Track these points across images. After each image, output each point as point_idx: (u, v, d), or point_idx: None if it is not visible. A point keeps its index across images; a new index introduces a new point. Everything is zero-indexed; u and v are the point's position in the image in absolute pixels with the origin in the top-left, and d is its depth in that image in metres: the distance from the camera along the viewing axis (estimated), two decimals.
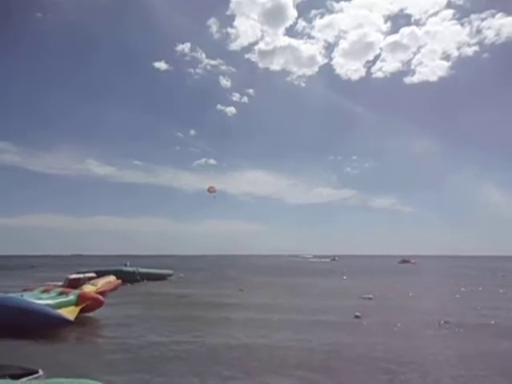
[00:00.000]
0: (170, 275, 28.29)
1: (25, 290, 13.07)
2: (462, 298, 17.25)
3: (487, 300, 16.43)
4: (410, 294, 18.37)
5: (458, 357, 7.53)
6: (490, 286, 22.33)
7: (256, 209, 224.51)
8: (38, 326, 9.46)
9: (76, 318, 10.60)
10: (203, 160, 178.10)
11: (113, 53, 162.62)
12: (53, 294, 11.61)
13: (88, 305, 11.48)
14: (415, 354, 7.75)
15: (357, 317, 11.78)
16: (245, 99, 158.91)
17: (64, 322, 9.97)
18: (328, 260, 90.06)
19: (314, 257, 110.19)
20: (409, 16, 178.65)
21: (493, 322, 11.00)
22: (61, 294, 11.62)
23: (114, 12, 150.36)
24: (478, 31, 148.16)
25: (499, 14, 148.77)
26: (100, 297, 11.90)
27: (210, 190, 25.84)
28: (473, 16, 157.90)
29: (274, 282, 25.08)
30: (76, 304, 11.23)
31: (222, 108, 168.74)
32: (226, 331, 9.93)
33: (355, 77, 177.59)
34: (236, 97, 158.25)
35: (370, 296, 15.30)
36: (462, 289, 20.68)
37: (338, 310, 13.34)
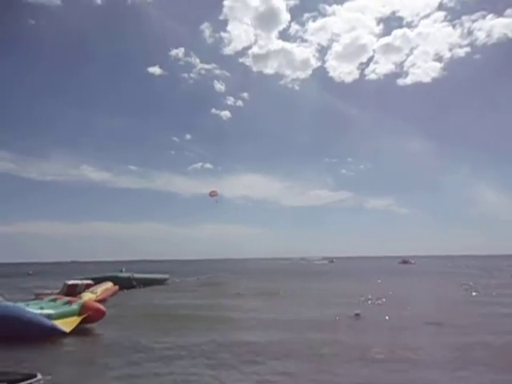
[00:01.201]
0: (166, 280, 28.36)
1: (36, 298, 13.39)
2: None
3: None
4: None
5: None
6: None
7: (253, 212, 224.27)
8: (30, 336, 9.33)
9: (75, 329, 10.29)
10: (199, 164, 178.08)
11: (106, 58, 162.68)
12: (59, 303, 11.53)
13: (90, 315, 11.09)
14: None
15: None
16: (239, 103, 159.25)
17: (58, 332, 9.72)
18: (326, 262, 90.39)
19: (323, 258, 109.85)
20: (401, 18, 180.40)
21: None
22: (67, 303, 11.48)
23: (108, 18, 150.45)
24: (470, 32, 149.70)
25: (490, 16, 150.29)
26: (102, 307, 11.52)
27: (212, 194, 25.80)
28: (464, 17, 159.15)
29: (271, 286, 25.22)
30: (79, 314, 11.01)
31: (217, 112, 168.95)
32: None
33: (349, 79, 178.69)
34: (230, 101, 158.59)
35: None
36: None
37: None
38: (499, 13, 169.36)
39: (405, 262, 71.66)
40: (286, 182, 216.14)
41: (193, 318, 12.91)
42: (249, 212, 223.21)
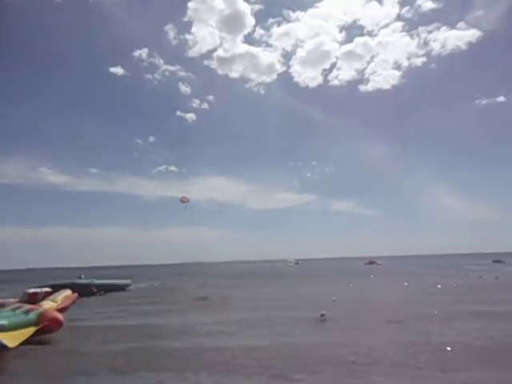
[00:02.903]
0: (128, 285, 27.35)
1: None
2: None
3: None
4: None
5: None
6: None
7: (218, 215, 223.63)
8: None
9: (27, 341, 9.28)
10: (163, 167, 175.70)
11: (65, 57, 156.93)
12: (18, 312, 10.58)
13: (46, 326, 10.12)
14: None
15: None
16: (205, 105, 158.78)
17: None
18: (292, 264, 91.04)
19: (289, 261, 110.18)
20: (362, 27, 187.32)
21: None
22: (27, 312, 10.53)
23: (67, 16, 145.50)
24: (426, 43, 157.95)
25: (444, 27, 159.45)
26: (60, 317, 10.60)
27: (183, 200, 24.84)
28: (420, 28, 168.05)
29: (235, 289, 25.02)
30: (36, 324, 10.06)
31: (182, 114, 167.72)
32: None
33: (313, 84, 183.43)
34: (196, 103, 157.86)
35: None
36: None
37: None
38: (452, 25, 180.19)
39: (371, 262, 72.49)
40: (252, 185, 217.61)
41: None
42: (214, 215, 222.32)
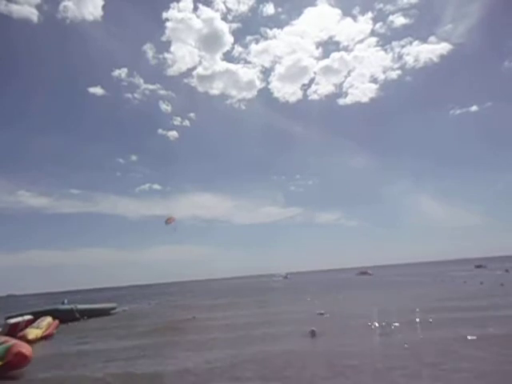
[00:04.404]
0: (113, 309, 26.68)
1: None
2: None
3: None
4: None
5: None
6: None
7: (204, 232, 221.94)
8: None
9: None
10: (147, 185, 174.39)
11: (45, 78, 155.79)
12: None
13: (9, 362, 9.02)
14: None
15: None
16: (186, 123, 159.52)
17: None
18: (280, 278, 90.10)
19: (279, 275, 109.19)
20: (337, 43, 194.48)
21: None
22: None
23: (44, 37, 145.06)
24: (400, 57, 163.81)
25: (416, 42, 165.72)
26: (26, 352, 9.37)
27: (168, 221, 23.38)
28: (394, 43, 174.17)
29: (226, 306, 24.76)
30: (1, 359, 8.98)
31: (164, 132, 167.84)
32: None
33: (293, 99, 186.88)
34: (177, 121, 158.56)
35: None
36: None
37: None
38: (424, 39, 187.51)
39: (363, 273, 72.06)
40: (236, 201, 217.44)
41: None
42: (200, 232, 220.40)
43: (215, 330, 14.34)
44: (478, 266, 63.54)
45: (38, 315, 18.10)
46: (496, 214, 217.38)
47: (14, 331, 14.82)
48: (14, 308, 32.58)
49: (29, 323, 16.31)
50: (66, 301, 24.58)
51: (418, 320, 12.54)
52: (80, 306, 23.52)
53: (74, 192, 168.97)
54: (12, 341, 9.87)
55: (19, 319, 15.78)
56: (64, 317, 20.55)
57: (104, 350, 12.04)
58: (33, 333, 15.29)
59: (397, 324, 11.98)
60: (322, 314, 15.91)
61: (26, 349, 9.54)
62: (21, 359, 9.22)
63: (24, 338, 14.01)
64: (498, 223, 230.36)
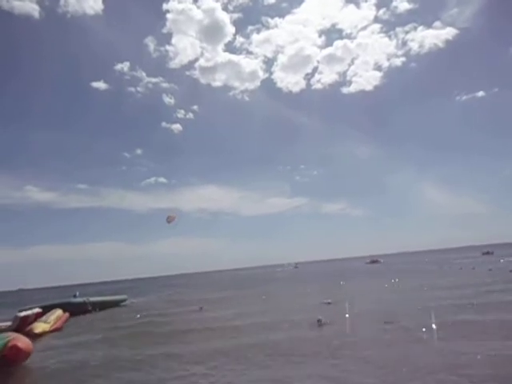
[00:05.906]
0: (123, 301, 27.21)
1: None
2: None
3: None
4: None
5: None
6: None
7: (210, 224, 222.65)
8: None
9: None
10: (152, 179, 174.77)
11: (48, 74, 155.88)
12: None
13: (5, 356, 8.85)
14: None
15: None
16: (190, 115, 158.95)
17: None
18: (291, 268, 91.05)
19: (288, 264, 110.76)
20: (340, 30, 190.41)
21: None
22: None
23: (46, 32, 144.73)
24: (404, 43, 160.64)
25: (420, 27, 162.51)
26: (26, 348, 9.24)
27: (169, 219, 22.53)
28: (398, 29, 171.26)
29: (233, 297, 25.04)
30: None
31: (168, 125, 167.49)
32: None
33: (296, 89, 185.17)
34: (181, 113, 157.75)
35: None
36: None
37: None
38: (428, 24, 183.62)
39: (373, 261, 71.77)
40: (242, 192, 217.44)
41: None
42: (207, 224, 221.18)
43: (224, 320, 14.59)
44: (486, 253, 63.25)
45: (51, 308, 18.48)
46: (502, 201, 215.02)
47: (24, 324, 15.13)
48: (29, 302, 33.17)
49: (38, 316, 16.56)
50: (77, 293, 25.03)
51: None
52: (92, 299, 24.04)
53: (81, 187, 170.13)
54: (12, 335, 9.73)
55: (28, 312, 16.10)
56: (76, 310, 21.02)
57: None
58: (40, 327, 15.55)
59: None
60: (329, 303, 16.11)
61: (23, 343, 9.28)
62: (17, 353, 9.03)
63: (31, 332, 14.40)
64: (503, 211, 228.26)
